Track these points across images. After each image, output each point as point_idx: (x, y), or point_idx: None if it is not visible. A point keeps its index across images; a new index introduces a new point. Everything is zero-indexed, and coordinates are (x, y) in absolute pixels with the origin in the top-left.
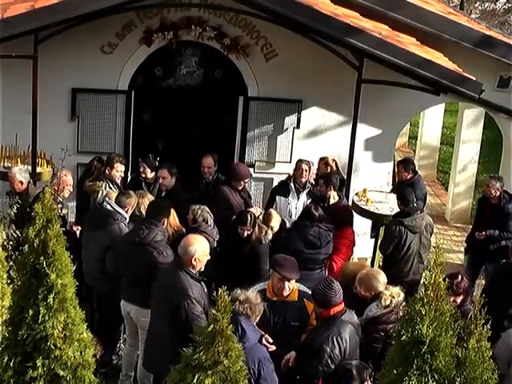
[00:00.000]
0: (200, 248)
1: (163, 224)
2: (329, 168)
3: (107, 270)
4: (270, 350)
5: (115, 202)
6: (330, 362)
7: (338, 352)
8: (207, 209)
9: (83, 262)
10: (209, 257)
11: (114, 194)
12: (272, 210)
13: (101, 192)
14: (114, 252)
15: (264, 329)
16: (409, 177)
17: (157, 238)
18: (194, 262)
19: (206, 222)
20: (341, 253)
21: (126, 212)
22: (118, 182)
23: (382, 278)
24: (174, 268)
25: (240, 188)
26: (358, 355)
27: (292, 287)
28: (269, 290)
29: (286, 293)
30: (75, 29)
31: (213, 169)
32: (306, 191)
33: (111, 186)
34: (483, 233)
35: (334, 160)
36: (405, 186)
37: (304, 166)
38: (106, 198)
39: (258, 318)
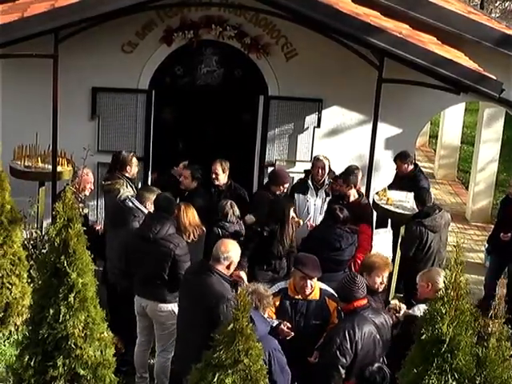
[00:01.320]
0: (238, 253)
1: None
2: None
3: (125, 267)
4: (288, 337)
5: (136, 197)
6: (338, 353)
7: (348, 345)
8: (231, 205)
9: (107, 260)
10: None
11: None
12: None
13: (122, 189)
14: (126, 248)
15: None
16: (408, 169)
17: (170, 231)
18: (231, 268)
19: (226, 217)
20: (362, 248)
21: (146, 207)
22: (135, 177)
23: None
24: (205, 271)
25: (279, 193)
26: (379, 354)
27: (314, 286)
28: (290, 289)
29: (308, 291)
30: (95, 28)
31: (221, 175)
32: (324, 188)
33: (130, 184)
34: (509, 234)
35: (326, 158)
36: (406, 180)
37: (320, 165)
38: (129, 196)
39: (268, 310)
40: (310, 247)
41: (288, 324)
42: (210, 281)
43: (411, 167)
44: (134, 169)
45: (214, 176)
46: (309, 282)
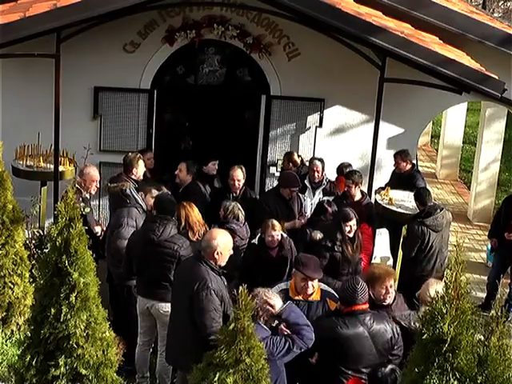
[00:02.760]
0: (222, 242)
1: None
2: (290, 164)
3: (112, 252)
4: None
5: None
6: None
7: (335, 342)
8: (239, 205)
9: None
10: (232, 252)
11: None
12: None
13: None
14: (128, 250)
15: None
16: (407, 167)
17: (172, 232)
18: (216, 256)
19: (237, 219)
20: (364, 248)
21: (143, 199)
22: (141, 179)
23: (432, 291)
24: (194, 260)
25: (288, 197)
26: (375, 360)
27: (315, 287)
28: (292, 290)
29: (309, 292)
30: (97, 28)
31: (242, 182)
32: (321, 188)
33: (137, 186)
34: None
35: (299, 156)
36: (403, 179)
37: (315, 166)
38: (131, 185)
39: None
40: (305, 242)
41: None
42: (198, 268)
43: (409, 166)
44: (140, 171)
45: (236, 183)
46: (310, 283)
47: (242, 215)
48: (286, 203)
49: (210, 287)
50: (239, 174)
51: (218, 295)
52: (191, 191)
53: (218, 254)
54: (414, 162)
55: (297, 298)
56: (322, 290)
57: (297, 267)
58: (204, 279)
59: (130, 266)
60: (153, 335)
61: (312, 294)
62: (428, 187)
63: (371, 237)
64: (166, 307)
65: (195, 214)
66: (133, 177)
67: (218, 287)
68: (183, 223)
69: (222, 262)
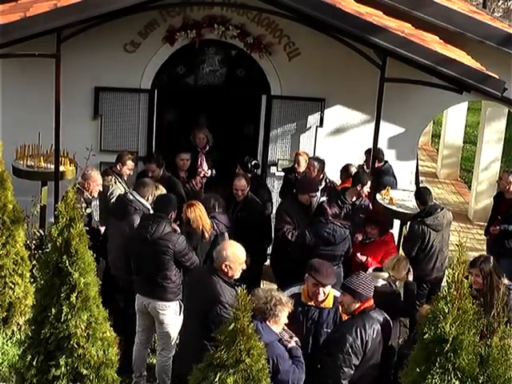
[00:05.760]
0: (232, 254)
1: (171, 217)
2: (296, 164)
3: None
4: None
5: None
6: (350, 351)
7: (359, 343)
8: (215, 198)
9: (108, 253)
10: (244, 266)
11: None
12: None
13: (110, 186)
14: (126, 249)
15: (296, 333)
16: (376, 165)
17: (166, 230)
18: (224, 268)
19: (215, 209)
20: (389, 254)
21: (147, 200)
22: (125, 177)
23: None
24: (207, 272)
25: (307, 203)
26: (381, 354)
27: (327, 293)
28: (304, 295)
29: (320, 298)
30: (98, 27)
31: (246, 190)
32: (321, 188)
33: (120, 180)
34: (497, 227)
35: (315, 158)
36: (376, 175)
37: (312, 165)
38: (130, 190)
39: (278, 318)
40: (301, 243)
41: (299, 342)
42: (210, 281)
43: (379, 164)
44: (124, 168)
45: (240, 193)
46: (321, 289)
47: (217, 206)
48: (305, 210)
49: (223, 301)
50: (243, 184)
51: (232, 307)
52: (165, 182)
53: (226, 266)
54: (387, 159)
55: (309, 303)
56: (335, 296)
57: (309, 272)
58: (216, 293)
59: (128, 264)
60: (151, 333)
61: (324, 300)
62: (428, 186)
63: (395, 244)
64: (163, 306)
65: (204, 218)
66: (116, 171)
67: (232, 300)
68: (194, 225)
69: (233, 274)
